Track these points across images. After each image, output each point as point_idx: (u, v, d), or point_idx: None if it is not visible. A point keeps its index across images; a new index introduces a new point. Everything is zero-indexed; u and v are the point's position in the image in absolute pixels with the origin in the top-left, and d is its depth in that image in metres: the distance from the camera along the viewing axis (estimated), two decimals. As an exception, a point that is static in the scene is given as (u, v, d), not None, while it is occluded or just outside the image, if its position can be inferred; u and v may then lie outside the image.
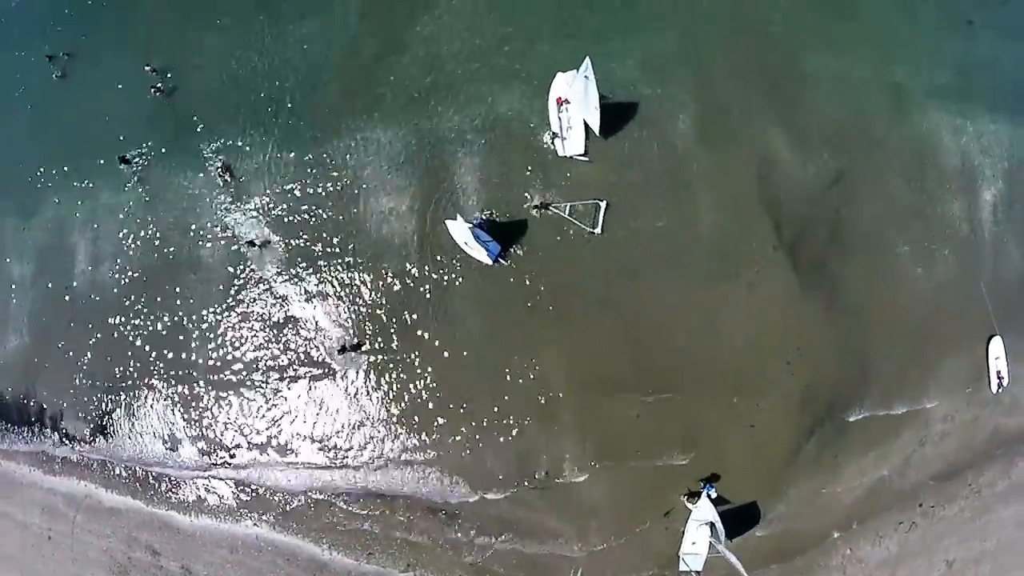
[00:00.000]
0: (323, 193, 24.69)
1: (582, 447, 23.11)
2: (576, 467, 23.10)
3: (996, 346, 26.29)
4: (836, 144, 24.64)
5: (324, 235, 24.52)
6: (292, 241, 24.75)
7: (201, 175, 25.91)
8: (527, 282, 23.03)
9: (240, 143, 25.57)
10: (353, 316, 23.99)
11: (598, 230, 22.95)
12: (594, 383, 22.69)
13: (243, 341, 24.82)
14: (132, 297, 26.05)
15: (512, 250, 22.88)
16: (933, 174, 26.03)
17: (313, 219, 24.71)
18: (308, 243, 24.67)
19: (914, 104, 26.38)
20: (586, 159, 23.21)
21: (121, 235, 26.60)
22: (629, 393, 22.70)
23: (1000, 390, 26.28)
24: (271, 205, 25.06)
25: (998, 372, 26.24)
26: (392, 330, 23.63)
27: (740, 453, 23.46)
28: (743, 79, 24.36)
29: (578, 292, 22.84)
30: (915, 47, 27.37)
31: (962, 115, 27.16)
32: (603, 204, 22.96)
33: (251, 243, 24.89)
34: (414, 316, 23.41)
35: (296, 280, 24.71)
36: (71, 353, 26.69)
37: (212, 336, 25.18)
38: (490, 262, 22.11)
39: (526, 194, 23.28)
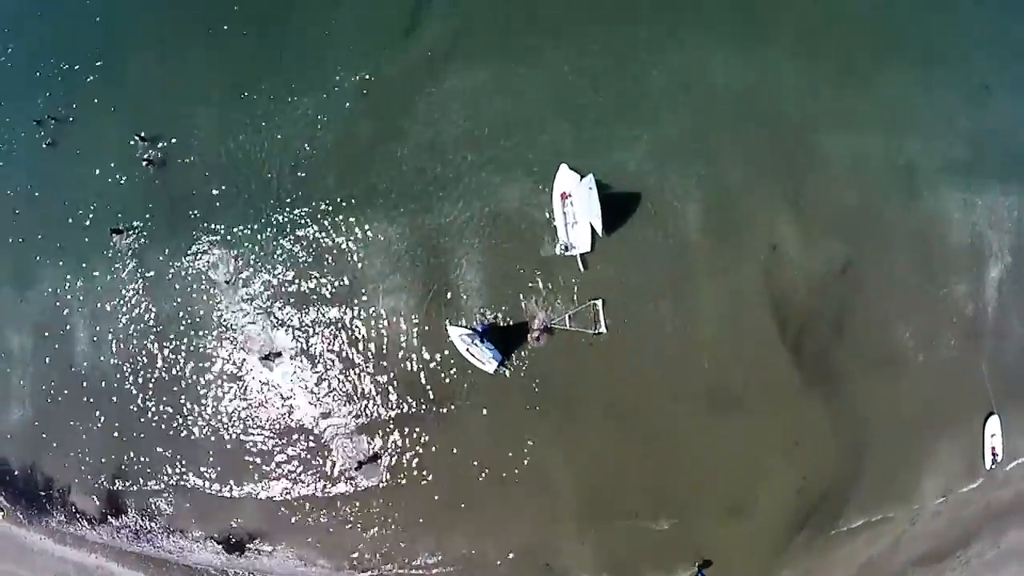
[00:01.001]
0: (320, 291, 24.31)
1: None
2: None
3: (993, 424, 26.55)
4: (844, 233, 24.23)
5: (323, 336, 24.29)
6: (292, 342, 24.56)
7: (195, 260, 25.45)
8: (530, 388, 23.03)
9: (233, 231, 25.03)
10: (354, 425, 24.05)
11: (601, 329, 22.80)
12: (597, 488, 22.98)
13: (248, 442, 24.93)
14: (132, 381, 25.98)
15: (514, 357, 22.75)
16: (941, 257, 25.71)
17: (311, 319, 24.44)
18: (307, 345, 24.47)
19: (925, 183, 25.81)
20: (590, 252, 22.87)
21: (118, 316, 26.31)
22: (629, 494, 23.02)
23: (994, 466, 26.72)
24: (268, 300, 24.72)
25: (993, 449, 26.60)
26: (392, 439, 23.71)
27: (733, 541, 23.98)
28: (753, 167, 23.76)
29: (582, 396, 22.86)
30: (929, 118, 26.61)
31: (973, 189, 26.65)
32: (599, 303, 22.73)
33: (250, 339, 24.72)
34: (417, 429, 23.48)
35: (299, 382, 24.67)
36: (75, 430, 26.83)
37: (215, 433, 25.25)
38: (492, 370, 22.03)
39: (525, 305, 22.95)
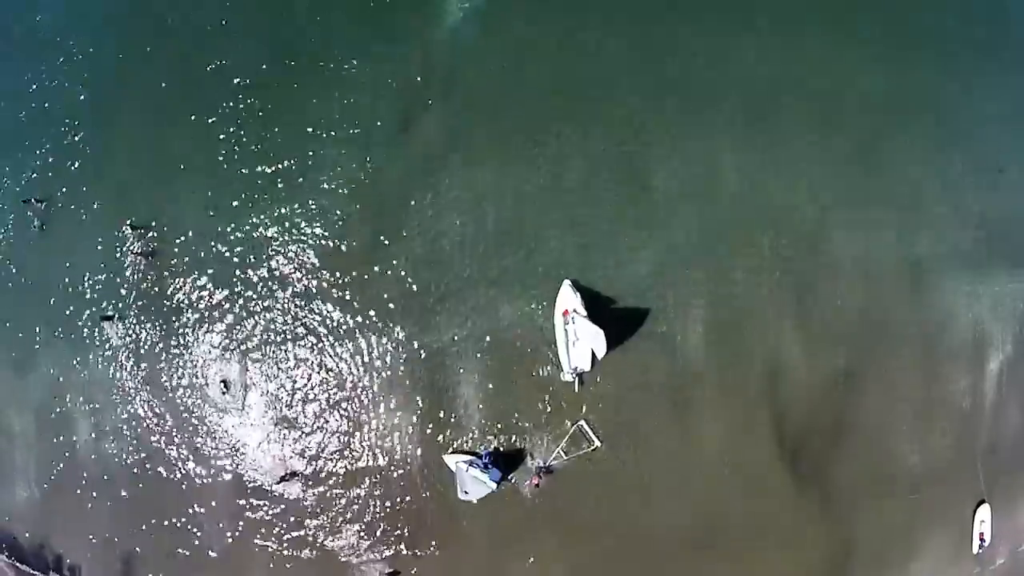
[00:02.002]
0: (316, 408, 24.07)
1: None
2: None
3: (983, 511, 27.15)
4: (848, 342, 24.12)
5: (319, 453, 24.15)
6: (289, 460, 24.49)
7: (185, 362, 25.15)
8: (531, 504, 23.26)
9: (224, 337, 24.65)
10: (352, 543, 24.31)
11: (596, 443, 22.87)
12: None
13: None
14: (134, 475, 26.14)
15: (513, 478, 22.91)
16: (942, 355, 25.66)
17: (307, 435, 24.28)
18: (304, 462, 24.38)
19: (933, 280, 25.49)
20: (590, 371, 22.75)
21: (116, 406, 26.24)
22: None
23: (981, 551, 27.46)
24: (266, 414, 24.55)
25: (981, 534, 27.31)
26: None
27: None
28: (758, 277, 23.40)
29: (582, 511, 23.15)
30: (942, 208, 26.05)
31: (981, 280, 26.38)
32: (582, 423, 22.70)
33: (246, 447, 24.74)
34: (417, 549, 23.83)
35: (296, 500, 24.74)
36: (83, 515, 27.21)
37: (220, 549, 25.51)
38: (494, 487, 22.23)
39: (520, 445, 22.90)
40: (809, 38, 24.82)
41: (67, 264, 26.71)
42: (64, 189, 26.68)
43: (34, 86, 27.09)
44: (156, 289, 25.66)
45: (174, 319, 25.19)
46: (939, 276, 25.60)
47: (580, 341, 22.26)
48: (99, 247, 26.24)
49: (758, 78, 23.92)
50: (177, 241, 25.39)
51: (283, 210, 24.35)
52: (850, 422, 24.44)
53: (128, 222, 25.64)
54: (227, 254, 24.76)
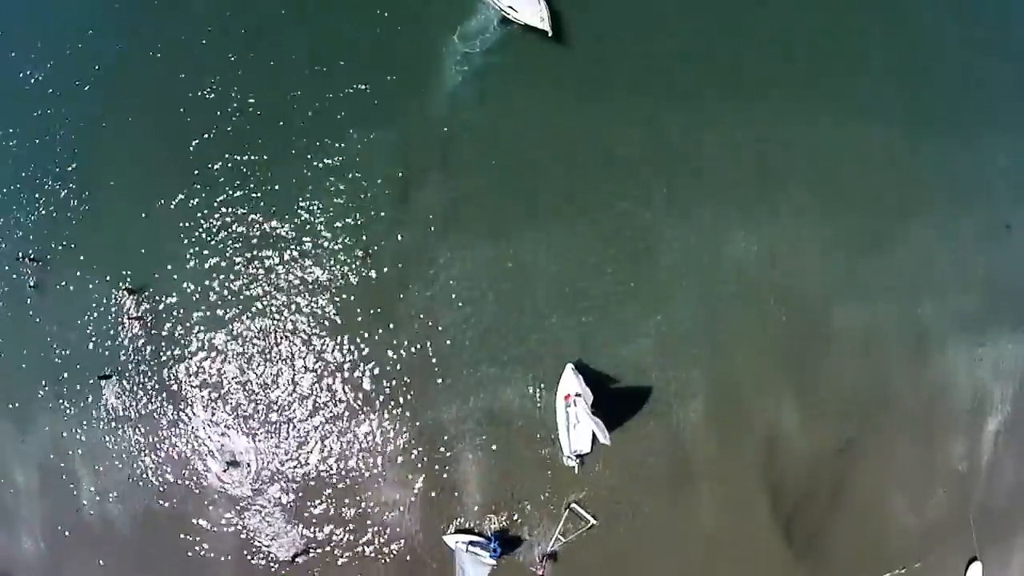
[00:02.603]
0: (314, 482, 23.98)
1: None
2: None
3: (975, 570, 27.62)
4: (848, 413, 24.19)
5: (313, 526, 24.10)
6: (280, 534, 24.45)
7: (183, 431, 25.04)
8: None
9: (220, 412, 24.51)
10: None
11: (592, 521, 23.04)
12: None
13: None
14: (139, 535, 26.37)
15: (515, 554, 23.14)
16: (941, 423, 25.86)
17: (304, 508, 24.22)
18: (295, 534, 24.30)
19: (935, 347, 25.58)
20: (590, 453, 22.77)
21: (117, 466, 26.27)
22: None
23: (972, 608, 28.07)
24: (264, 488, 24.51)
25: (974, 593, 27.88)
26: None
27: None
28: (761, 352, 23.33)
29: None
30: (948, 271, 26.04)
31: (982, 343, 26.49)
32: (573, 504, 22.88)
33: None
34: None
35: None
36: (89, 568, 27.57)
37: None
38: (493, 563, 22.44)
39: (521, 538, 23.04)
40: (814, 112, 24.45)
41: (61, 323, 26.38)
42: (59, 249, 26.21)
43: (27, 146, 26.44)
44: (151, 349, 25.39)
45: (171, 385, 25.03)
46: (941, 344, 25.64)
47: (581, 424, 22.24)
48: (93, 307, 25.83)
49: (764, 152, 23.48)
50: (172, 306, 25.08)
51: (280, 281, 24.01)
52: (846, 492, 24.69)
53: (122, 285, 25.32)
54: (223, 321, 24.46)
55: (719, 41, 23.92)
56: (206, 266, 24.92)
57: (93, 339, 26.35)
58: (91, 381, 26.36)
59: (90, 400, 26.56)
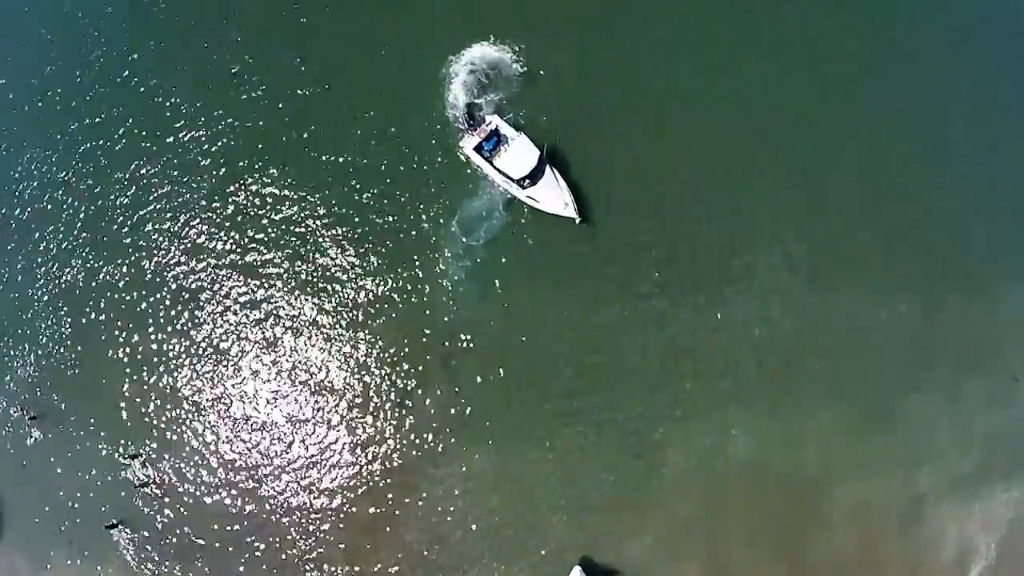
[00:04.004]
0: None
1: None
2: None
3: None
4: (840, 583, 24.39)
5: None
6: None
7: None
8: None
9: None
10: None
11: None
12: None
13: None
14: None
15: None
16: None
17: None
18: None
19: (929, 510, 25.60)
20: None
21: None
22: None
23: None
24: None
25: None
26: None
27: None
28: (759, 542, 23.39)
29: None
30: (949, 435, 25.78)
31: (976, 499, 26.31)
32: None
33: None
34: None
35: None
36: None
37: None
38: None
39: None
40: (818, 304, 23.83)
41: (63, 473, 26.45)
42: (59, 407, 25.95)
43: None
44: (151, 510, 25.67)
45: (177, 548, 25.42)
46: (935, 506, 25.67)
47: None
48: (94, 463, 25.94)
49: (771, 342, 22.55)
50: (167, 477, 25.06)
51: (285, 475, 23.92)
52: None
53: (123, 449, 25.27)
54: (223, 498, 24.57)
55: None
56: (200, 454, 24.85)
57: (94, 492, 26.17)
58: (99, 528, 26.33)
59: (101, 545, 26.41)
